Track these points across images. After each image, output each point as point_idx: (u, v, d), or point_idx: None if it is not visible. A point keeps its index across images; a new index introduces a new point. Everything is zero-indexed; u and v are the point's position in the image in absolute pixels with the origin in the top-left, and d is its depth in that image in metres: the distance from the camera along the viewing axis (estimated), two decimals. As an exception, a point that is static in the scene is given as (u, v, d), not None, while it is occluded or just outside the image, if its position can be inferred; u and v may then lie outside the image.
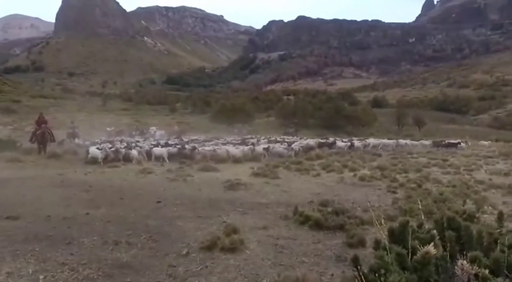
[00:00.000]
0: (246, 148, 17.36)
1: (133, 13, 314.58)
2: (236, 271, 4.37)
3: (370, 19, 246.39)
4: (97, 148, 15.48)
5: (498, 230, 3.16)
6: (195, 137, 25.67)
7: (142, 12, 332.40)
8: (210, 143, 20.56)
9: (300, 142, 22.62)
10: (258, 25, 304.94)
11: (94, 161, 14.22)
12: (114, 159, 14.89)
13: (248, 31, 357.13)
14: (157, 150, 16.01)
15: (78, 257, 4.64)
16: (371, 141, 25.02)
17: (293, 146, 19.21)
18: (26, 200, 7.71)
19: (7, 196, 8.12)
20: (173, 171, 12.32)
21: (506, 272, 2.26)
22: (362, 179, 11.39)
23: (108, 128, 31.00)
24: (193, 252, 4.88)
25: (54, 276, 4.09)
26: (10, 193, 8.41)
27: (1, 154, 14.71)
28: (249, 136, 28.43)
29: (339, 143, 22.56)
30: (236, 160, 15.75)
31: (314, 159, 16.64)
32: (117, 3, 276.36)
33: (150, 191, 9.04)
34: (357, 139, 25.66)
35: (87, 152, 14.97)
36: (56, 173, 11.57)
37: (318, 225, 6.03)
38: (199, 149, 16.58)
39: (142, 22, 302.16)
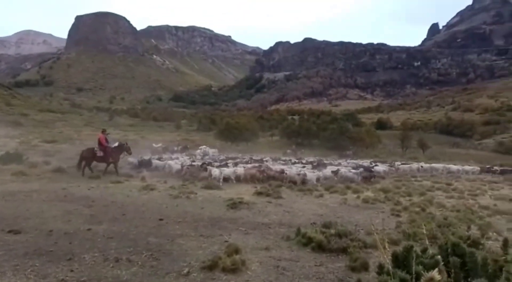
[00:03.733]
0: (317, 174, 16.42)
1: (143, 31, 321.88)
2: (236, 292, 4.31)
3: (375, 43, 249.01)
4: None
5: (504, 257, 3.12)
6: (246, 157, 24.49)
7: (153, 31, 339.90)
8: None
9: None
10: (265, 46, 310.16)
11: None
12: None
13: (255, 51, 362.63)
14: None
15: (78, 274, 4.60)
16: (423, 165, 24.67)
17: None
18: (29, 214, 7.71)
19: (11, 209, 8.15)
20: (176, 188, 12.29)
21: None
22: (365, 201, 11.29)
23: (155, 145, 29.73)
24: (194, 272, 4.82)
25: (54, 292, 4.06)
26: (14, 207, 8.43)
27: (8, 167, 14.82)
28: (305, 158, 26.98)
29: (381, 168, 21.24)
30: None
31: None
32: (128, 22, 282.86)
33: (152, 208, 9.00)
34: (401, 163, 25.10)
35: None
36: (60, 187, 11.59)
37: (320, 247, 5.97)
38: (287, 171, 16.07)
39: (152, 40, 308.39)
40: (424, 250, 3.31)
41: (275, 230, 7.36)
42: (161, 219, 7.75)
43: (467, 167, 24.46)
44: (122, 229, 6.88)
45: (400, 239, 6.41)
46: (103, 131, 16.55)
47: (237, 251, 5.46)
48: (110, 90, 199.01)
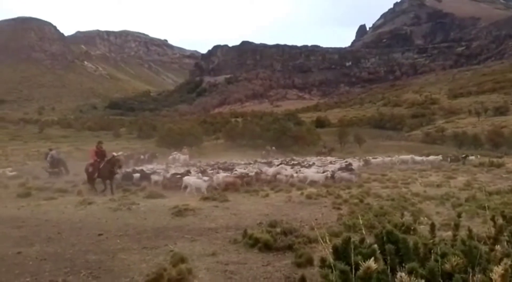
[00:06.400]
0: (326, 173, 15.95)
1: (72, 37, 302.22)
2: (184, 302, 4.19)
3: (309, 45, 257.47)
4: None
5: (432, 240, 3.37)
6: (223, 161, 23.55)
7: (82, 37, 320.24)
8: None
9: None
10: (203, 50, 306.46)
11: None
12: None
13: (194, 55, 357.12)
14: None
15: (6, 303, 4.19)
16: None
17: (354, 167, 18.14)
18: None
19: None
20: (116, 200, 11.69)
21: (441, 280, 2.39)
22: (309, 197, 11.64)
23: (115, 154, 27.90)
24: (137, 286, 4.62)
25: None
26: None
27: None
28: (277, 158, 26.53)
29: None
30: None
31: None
32: (55, 27, 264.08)
33: (90, 223, 8.48)
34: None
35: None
36: (-18, 209, 10.49)
37: (267, 247, 6.03)
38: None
39: (82, 46, 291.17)
40: (362, 240, 3.47)
41: (222, 234, 7.31)
42: (100, 234, 7.33)
43: (430, 157, 26.11)
44: (57, 249, 6.40)
45: (341, 231, 6.69)
46: (98, 144, 15.49)
47: (183, 260, 5.32)
48: (38, 101, 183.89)
